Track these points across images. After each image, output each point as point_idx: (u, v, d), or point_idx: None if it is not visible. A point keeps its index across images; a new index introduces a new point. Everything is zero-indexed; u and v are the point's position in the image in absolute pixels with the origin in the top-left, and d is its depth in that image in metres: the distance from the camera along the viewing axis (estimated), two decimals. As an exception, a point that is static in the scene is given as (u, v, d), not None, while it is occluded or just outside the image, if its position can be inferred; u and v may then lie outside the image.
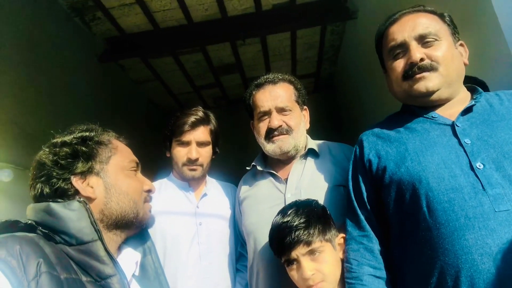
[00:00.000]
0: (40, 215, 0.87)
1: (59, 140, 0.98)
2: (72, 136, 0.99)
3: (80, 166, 0.94)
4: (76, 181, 0.93)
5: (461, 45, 1.19)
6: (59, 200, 0.91)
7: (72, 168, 0.93)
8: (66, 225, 0.84)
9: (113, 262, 0.85)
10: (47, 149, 0.96)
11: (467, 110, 1.11)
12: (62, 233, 0.84)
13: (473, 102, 1.12)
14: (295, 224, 1.20)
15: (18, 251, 0.73)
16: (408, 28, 1.15)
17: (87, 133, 1.00)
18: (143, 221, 1.03)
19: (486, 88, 1.27)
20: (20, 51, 2.56)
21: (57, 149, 0.95)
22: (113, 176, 0.97)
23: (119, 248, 1.01)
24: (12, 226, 0.83)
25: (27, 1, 2.66)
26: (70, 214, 0.85)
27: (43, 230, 0.85)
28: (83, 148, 0.96)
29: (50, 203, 0.87)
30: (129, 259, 1.00)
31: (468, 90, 1.20)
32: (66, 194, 0.93)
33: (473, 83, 1.22)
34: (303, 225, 1.20)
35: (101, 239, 0.85)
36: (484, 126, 1.05)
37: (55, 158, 0.94)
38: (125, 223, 0.97)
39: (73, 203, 0.87)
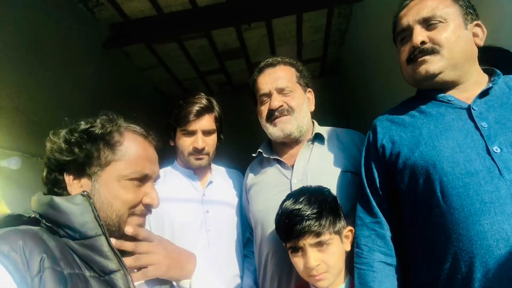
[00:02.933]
0: (43, 208, 0.85)
1: (62, 132, 0.95)
2: (77, 130, 0.94)
3: (73, 165, 0.91)
4: (67, 176, 0.91)
5: (477, 25, 1.15)
6: (55, 189, 0.91)
7: (65, 164, 0.91)
8: (69, 219, 0.83)
9: (117, 258, 0.84)
10: (53, 138, 0.94)
11: (484, 93, 1.08)
12: (66, 227, 0.83)
13: (490, 85, 1.09)
14: (307, 213, 1.18)
15: (21, 246, 0.72)
16: (413, 12, 1.15)
17: (95, 130, 0.93)
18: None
19: None
20: (23, 37, 2.53)
21: (58, 141, 0.93)
22: (103, 182, 0.91)
23: None
24: (16, 220, 0.81)
25: (29, -13, 2.63)
26: (73, 208, 0.83)
27: (47, 223, 0.84)
28: (77, 149, 0.91)
29: (54, 196, 0.86)
30: None
31: (486, 72, 1.16)
32: (59, 185, 0.92)
33: (503, 55, 1.19)
34: (314, 215, 1.18)
35: (104, 234, 0.83)
36: (502, 109, 1.03)
37: (53, 149, 0.92)
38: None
39: (77, 197, 0.85)
